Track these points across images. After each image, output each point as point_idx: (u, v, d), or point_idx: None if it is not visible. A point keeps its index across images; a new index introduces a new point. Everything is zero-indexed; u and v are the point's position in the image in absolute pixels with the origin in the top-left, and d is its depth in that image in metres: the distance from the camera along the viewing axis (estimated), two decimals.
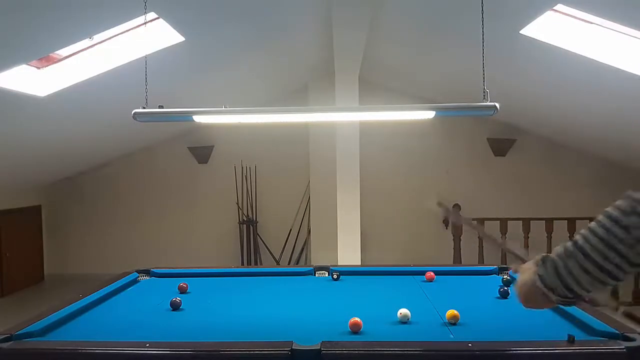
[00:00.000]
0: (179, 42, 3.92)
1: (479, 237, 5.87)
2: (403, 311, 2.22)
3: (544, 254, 1.23)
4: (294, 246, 7.07)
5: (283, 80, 6.57)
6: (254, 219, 7.06)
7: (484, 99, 2.68)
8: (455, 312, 2.19)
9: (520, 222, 5.70)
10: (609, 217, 1.10)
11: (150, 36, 3.72)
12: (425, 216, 7.11)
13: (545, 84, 4.77)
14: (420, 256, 6.27)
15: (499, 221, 5.81)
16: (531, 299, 1.27)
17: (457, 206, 6.78)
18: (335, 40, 4.16)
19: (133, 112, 2.78)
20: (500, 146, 6.93)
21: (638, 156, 5.83)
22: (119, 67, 4.02)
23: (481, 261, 5.72)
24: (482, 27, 2.82)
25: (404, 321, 2.21)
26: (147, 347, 1.86)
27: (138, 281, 3.20)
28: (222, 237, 7.19)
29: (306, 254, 7.06)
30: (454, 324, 2.16)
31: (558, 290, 1.18)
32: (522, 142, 6.90)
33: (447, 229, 6.99)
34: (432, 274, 3.06)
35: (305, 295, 2.78)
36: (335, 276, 3.10)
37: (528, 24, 3.60)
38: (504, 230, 5.77)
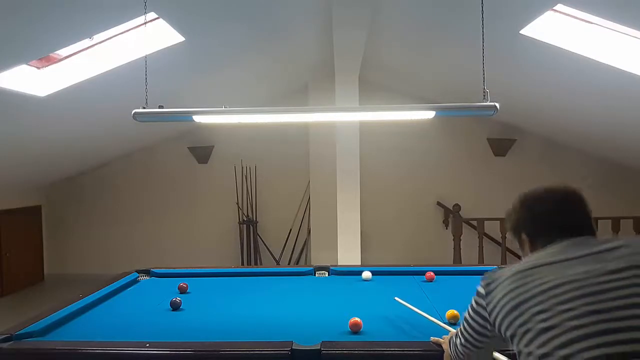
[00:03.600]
0: (179, 42, 3.92)
1: (479, 237, 5.88)
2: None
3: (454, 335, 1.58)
4: (294, 246, 7.07)
5: (283, 80, 6.57)
6: (254, 219, 7.06)
7: (484, 99, 2.68)
8: (455, 312, 2.20)
9: None
10: (472, 300, 1.39)
11: (150, 36, 3.72)
12: (425, 216, 7.12)
13: (545, 84, 4.77)
14: (420, 256, 6.29)
15: (499, 221, 5.81)
16: None
17: (457, 206, 6.79)
18: (335, 40, 4.15)
19: (133, 112, 2.78)
20: (500, 146, 6.93)
21: (638, 156, 5.84)
22: (119, 67, 4.02)
23: (481, 261, 5.72)
24: (482, 27, 2.82)
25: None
26: (147, 347, 1.87)
27: (138, 281, 3.20)
28: (222, 237, 7.19)
29: (306, 254, 7.06)
30: (454, 324, 2.16)
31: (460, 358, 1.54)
32: (522, 142, 6.90)
33: (447, 229, 7.00)
34: (432, 274, 3.06)
35: (305, 296, 2.79)
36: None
37: (528, 24, 3.60)
38: (504, 230, 5.77)
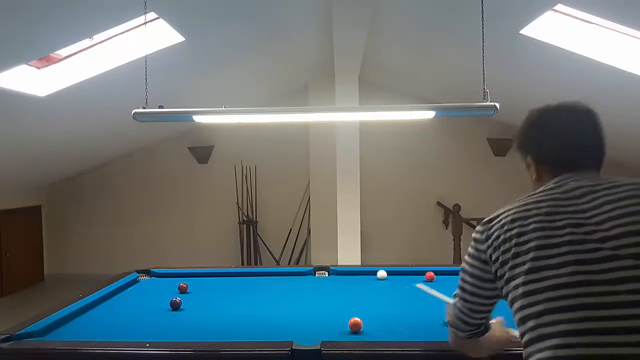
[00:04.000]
0: (179, 42, 3.92)
1: None
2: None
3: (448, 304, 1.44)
4: (294, 246, 7.07)
5: (283, 80, 6.58)
6: (254, 219, 7.06)
7: (484, 99, 2.69)
8: None
9: None
10: (469, 250, 1.29)
11: (150, 36, 3.72)
12: (425, 216, 7.12)
13: (545, 84, 4.77)
14: (420, 256, 6.29)
15: None
16: (456, 345, 1.45)
17: (457, 206, 6.79)
18: (336, 40, 4.16)
19: (133, 112, 2.78)
20: (500, 146, 6.93)
21: (637, 156, 5.84)
22: (119, 67, 4.03)
23: None
24: (482, 27, 2.82)
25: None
26: (147, 347, 1.86)
27: (138, 281, 3.20)
28: (222, 237, 7.19)
29: (306, 254, 7.06)
30: None
31: (459, 326, 1.38)
32: None
33: (447, 229, 7.00)
34: (432, 274, 3.06)
35: (305, 296, 2.78)
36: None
37: (528, 24, 3.60)
38: None
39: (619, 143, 5.63)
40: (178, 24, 3.72)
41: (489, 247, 1.21)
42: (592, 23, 3.63)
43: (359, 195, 5.29)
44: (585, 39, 3.70)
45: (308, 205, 6.87)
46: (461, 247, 5.98)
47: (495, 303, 1.33)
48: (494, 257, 1.19)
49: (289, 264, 6.90)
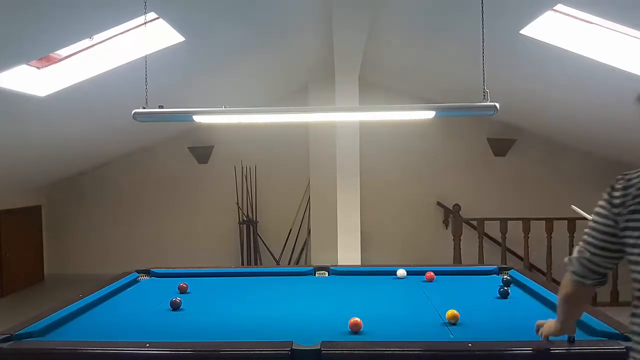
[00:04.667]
0: (179, 42, 3.92)
1: (479, 237, 5.87)
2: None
3: (569, 256, 1.49)
4: (294, 246, 7.07)
5: (283, 80, 6.57)
6: (254, 219, 7.06)
7: (484, 99, 2.68)
8: (455, 312, 2.20)
9: (520, 222, 5.70)
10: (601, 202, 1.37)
11: (150, 36, 3.72)
12: (425, 216, 7.12)
13: (545, 84, 4.77)
14: (420, 256, 6.28)
15: (499, 221, 5.81)
16: (568, 295, 1.51)
17: (457, 206, 6.79)
18: (336, 40, 4.16)
19: (133, 112, 2.78)
20: (500, 146, 6.93)
21: (638, 155, 5.84)
22: (119, 67, 4.02)
23: (481, 261, 5.72)
24: (482, 27, 2.82)
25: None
26: (147, 347, 1.87)
27: (138, 281, 3.20)
28: (222, 237, 7.19)
29: (306, 254, 7.06)
30: (454, 324, 2.16)
31: (588, 275, 1.42)
32: (522, 142, 6.90)
33: (447, 229, 7.00)
34: (432, 274, 3.06)
35: (305, 295, 2.79)
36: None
37: (528, 24, 3.60)
38: (504, 230, 5.77)
39: (619, 142, 5.64)
40: (178, 24, 3.72)
41: (617, 207, 1.30)
42: (592, 23, 3.63)
43: (359, 195, 5.29)
44: (585, 39, 3.70)
45: (308, 205, 6.87)
46: (461, 247, 5.98)
47: (623, 256, 1.39)
48: (620, 219, 1.29)
49: (289, 264, 6.90)
